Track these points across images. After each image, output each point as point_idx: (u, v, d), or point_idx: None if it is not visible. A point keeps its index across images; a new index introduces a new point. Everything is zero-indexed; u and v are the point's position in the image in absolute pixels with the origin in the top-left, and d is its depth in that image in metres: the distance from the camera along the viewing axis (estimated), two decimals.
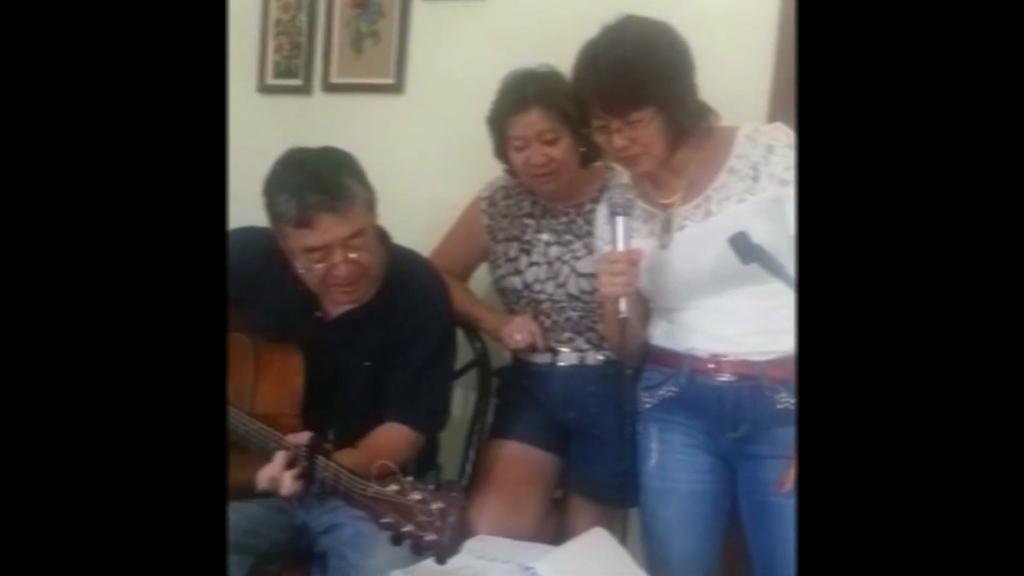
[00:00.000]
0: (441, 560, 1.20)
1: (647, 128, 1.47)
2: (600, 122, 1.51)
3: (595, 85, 1.48)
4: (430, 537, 1.19)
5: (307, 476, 1.36)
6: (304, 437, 1.41)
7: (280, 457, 1.40)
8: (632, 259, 1.51)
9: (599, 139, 1.55)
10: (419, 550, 1.22)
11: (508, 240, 1.93)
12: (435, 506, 1.19)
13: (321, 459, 1.36)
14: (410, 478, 1.25)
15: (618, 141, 1.50)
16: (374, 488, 1.25)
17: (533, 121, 1.77)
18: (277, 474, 1.40)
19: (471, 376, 2.02)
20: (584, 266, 1.84)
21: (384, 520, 1.23)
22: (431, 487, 1.22)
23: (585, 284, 1.83)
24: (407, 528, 1.20)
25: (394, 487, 1.23)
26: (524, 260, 1.90)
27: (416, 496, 1.21)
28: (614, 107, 1.47)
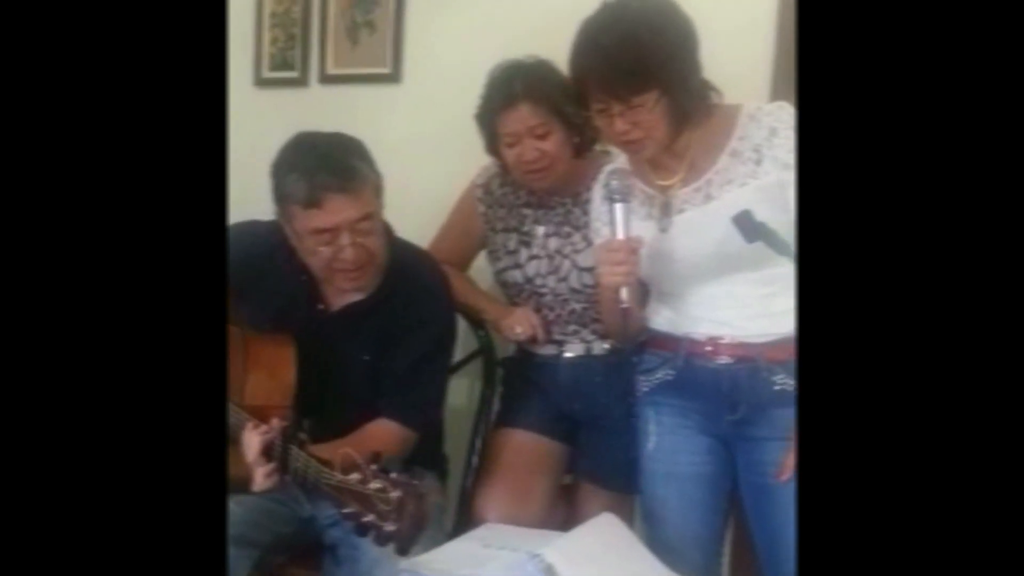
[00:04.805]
0: (402, 551, 1.18)
1: (651, 112, 1.40)
2: (601, 105, 1.43)
3: (595, 67, 1.41)
4: (389, 527, 1.17)
5: (282, 467, 1.35)
6: (276, 426, 1.39)
7: (252, 448, 1.39)
8: (632, 247, 1.46)
9: (600, 122, 1.48)
10: (380, 540, 1.19)
11: (507, 231, 1.89)
12: (394, 495, 1.17)
13: (294, 449, 1.34)
14: (374, 466, 1.23)
15: (620, 125, 1.43)
16: (338, 477, 1.24)
17: (523, 116, 1.72)
18: (250, 468, 1.38)
19: (476, 365, 2.00)
20: (585, 259, 1.79)
21: (347, 510, 1.21)
22: (393, 475, 1.20)
23: (587, 278, 1.79)
24: (368, 518, 1.18)
25: (356, 476, 1.21)
26: (524, 253, 1.86)
27: (376, 485, 1.19)
28: (616, 90, 1.40)
